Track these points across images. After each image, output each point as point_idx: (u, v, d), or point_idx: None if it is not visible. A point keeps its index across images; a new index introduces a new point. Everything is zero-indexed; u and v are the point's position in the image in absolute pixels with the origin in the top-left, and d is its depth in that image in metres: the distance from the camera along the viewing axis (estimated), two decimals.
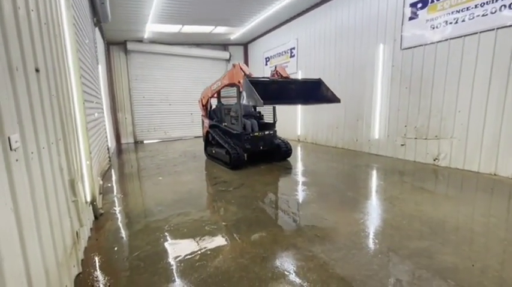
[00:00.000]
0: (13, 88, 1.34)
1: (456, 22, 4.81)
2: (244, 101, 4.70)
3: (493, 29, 4.34)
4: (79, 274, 2.17)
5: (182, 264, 2.29)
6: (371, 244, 2.57)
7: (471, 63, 4.68)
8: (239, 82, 5.08)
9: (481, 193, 3.84)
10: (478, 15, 4.50)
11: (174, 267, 2.26)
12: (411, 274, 2.07)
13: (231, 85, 6.09)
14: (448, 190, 4.06)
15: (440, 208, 3.33)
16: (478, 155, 4.72)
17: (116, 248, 2.61)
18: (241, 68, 5.08)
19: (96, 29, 6.70)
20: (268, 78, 5.34)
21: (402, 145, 5.99)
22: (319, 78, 5.33)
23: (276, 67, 5.57)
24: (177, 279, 2.10)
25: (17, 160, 1.30)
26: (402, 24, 5.70)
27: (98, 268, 2.31)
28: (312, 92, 5.26)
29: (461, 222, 2.97)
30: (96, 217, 3.25)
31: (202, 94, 7.17)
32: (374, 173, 5.14)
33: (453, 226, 2.88)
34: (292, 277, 2.08)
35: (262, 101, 4.22)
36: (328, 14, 7.59)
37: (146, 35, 9.41)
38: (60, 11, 2.51)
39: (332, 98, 5.03)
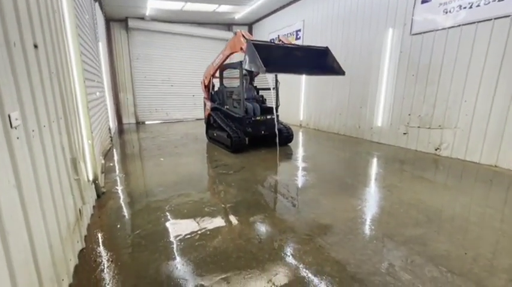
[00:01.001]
0: (11, 64, 1.31)
1: (471, 7, 4.60)
2: (245, 66, 4.47)
3: (509, 16, 4.16)
4: (82, 249, 2.25)
5: (182, 243, 2.36)
6: (367, 230, 2.62)
7: (482, 52, 4.53)
8: (241, 49, 4.86)
9: (480, 184, 3.86)
10: (495, 0, 4.30)
11: (174, 246, 2.33)
12: (404, 260, 2.12)
13: (233, 67, 5.97)
14: (447, 179, 4.08)
15: (438, 197, 3.36)
16: (480, 146, 4.69)
17: (118, 226, 2.69)
18: (243, 35, 4.86)
19: (96, 4, 6.48)
20: (273, 42, 5.04)
21: (405, 133, 5.95)
22: (327, 47, 5.12)
23: (279, 36, 5.34)
24: (177, 257, 2.17)
25: (18, 138, 1.30)
26: (414, 8, 5.46)
27: (100, 244, 2.38)
28: (318, 61, 5.06)
29: (458, 212, 3.00)
30: (98, 196, 3.31)
31: (205, 74, 7.03)
32: (374, 161, 5.15)
33: (449, 215, 2.92)
34: (289, 259, 2.14)
35: (264, 68, 3.97)
36: None
37: (148, 12, 9.12)
38: None
39: (338, 70, 4.89)
